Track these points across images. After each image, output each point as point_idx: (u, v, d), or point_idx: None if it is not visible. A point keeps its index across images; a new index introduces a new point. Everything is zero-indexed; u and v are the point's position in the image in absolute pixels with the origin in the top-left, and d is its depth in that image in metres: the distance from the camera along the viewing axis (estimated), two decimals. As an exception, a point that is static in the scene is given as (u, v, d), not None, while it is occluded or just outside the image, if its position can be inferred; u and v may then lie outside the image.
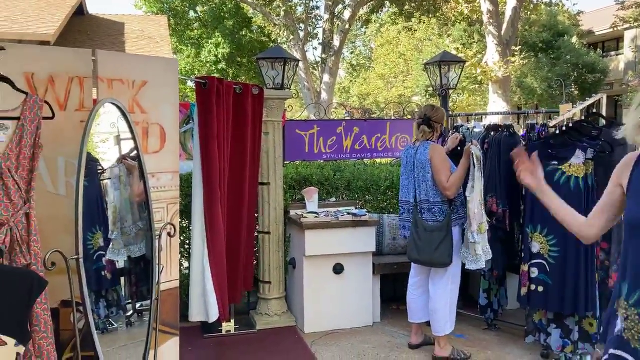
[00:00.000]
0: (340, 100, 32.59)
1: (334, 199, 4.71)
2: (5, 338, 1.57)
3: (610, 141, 3.24)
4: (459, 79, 5.22)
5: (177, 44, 19.81)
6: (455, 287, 3.66)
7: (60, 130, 2.36)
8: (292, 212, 4.40)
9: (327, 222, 4.14)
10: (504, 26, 11.32)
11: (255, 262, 4.47)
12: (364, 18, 20.47)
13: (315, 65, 21.67)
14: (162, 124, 2.75)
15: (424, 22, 20.60)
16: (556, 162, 3.35)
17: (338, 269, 4.22)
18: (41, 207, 2.32)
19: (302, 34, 19.17)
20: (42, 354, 1.91)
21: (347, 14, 18.10)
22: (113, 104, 2.37)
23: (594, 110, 5.94)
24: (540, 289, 3.43)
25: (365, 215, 4.23)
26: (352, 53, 31.40)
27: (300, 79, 19.29)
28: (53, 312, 2.46)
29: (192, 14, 20.21)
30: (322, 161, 5.18)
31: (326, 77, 19.04)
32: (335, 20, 19.06)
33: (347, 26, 18.68)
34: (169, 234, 2.69)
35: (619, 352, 1.68)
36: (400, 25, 24.09)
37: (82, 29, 13.67)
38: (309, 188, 4.50)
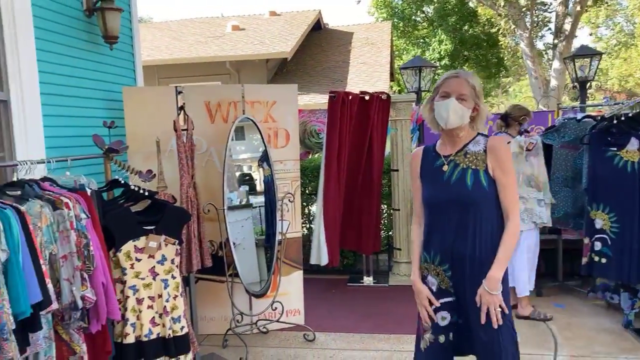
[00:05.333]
0: (596, 83, 30.02)
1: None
2: (172, 241, 3.14)
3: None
4: (595, 70, 5.45)
5: (405, 44, 21.34)
6: (532, 256, 4.29)
7: (224, 133, 3.95)
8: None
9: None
10: None
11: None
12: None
13: (544, 53, 20.85)
14: (286, 128, 4.20)
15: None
16: (615, 148, 3.75)
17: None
18: (213, 179, 3.97)
19: (529, 22, 18.77)
20: (196, 253, 3.55)
21: (578, -4, 17.11)
22: (248, 118, 3.89)
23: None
24: (603, 260, 3.88)
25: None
26: (611, 30, 28.61)
27: (528, 69, 18.91)
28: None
29: (419, 14, 21.46)
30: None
31: (556, 64, 18.23)
32: (567, 2, 18.14)
33: (578, 8, 17.61)
34: (289, 200, 4.11)
35: (444, 299, 2.27)
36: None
37: (317, 42, 16.18)
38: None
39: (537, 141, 4.06)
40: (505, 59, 22.15)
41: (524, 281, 4.28)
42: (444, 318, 2.29)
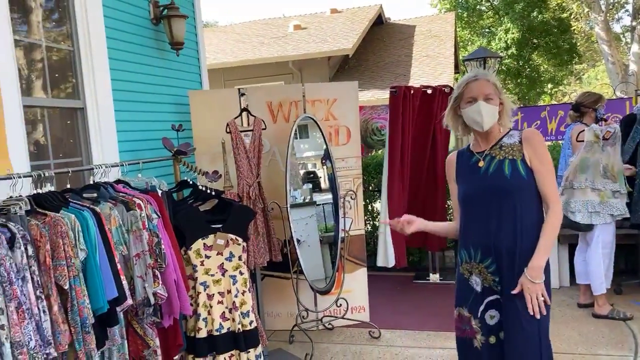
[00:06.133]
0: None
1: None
2: (239, 239, 3.23)
3: None
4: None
5: (470, 35, 20.77)
6: (607, 252, 4.06)
7: (286, 132, 4.01)
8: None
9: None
10: None
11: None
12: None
13: (622, 36, 19.67)
14: (347, 125, 4.20)
15: None
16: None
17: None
18: (276, 177, 4.05)
19: (604, 5, 17.76)
20: (261, 251, 3.62)
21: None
22: (308, 117, 3.93)
23: None
24: None
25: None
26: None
27: (604, 54, 17.92)
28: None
29: (483, 3, 20.81)
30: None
31: (635, 47, 17.18)
32: (647, -19, 17.05)
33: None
34: (351, 197, 4.12)
35: (490, 298, 2.24)
36: None
37: (379, 37, 16.05)
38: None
39: (615, 130, 3.84)
40: (578, 44, 21.09)
41: (600, 278, 4.07)
42: (492, 317, 2.26)
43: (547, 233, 2.13)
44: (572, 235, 4.85)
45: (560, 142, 5.78)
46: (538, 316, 2.11)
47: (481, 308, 2.27)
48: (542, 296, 2.11)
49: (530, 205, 2.18)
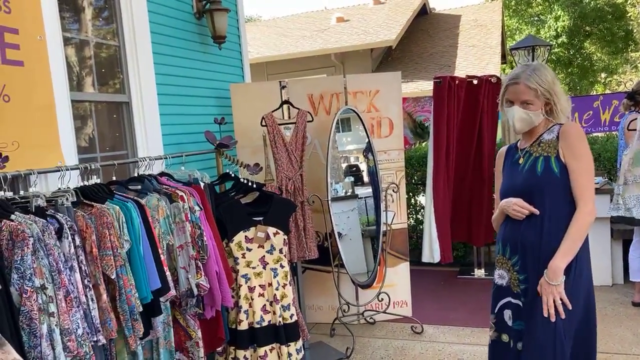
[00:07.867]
0: None
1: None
2: (279, 231, 3.23)
3: None
4: None
5: (517, 24, 20.16)
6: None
7: (327, 125, 3.99)
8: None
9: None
10: None
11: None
12: None
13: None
14: (390, 117, 4.13)
15: None
16: None
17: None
18: (317, 170, 4.03)
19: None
20: (302, 245, 3.62)
21: None
22: (350, 109, 3.88)
23: None
24: None
25: (597, 183, 4.61)
26: None
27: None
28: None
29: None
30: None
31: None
32: None
33: None
34: (393, 190, 4.06)
35: (509, 299, 2.23)
36: None
37: (423, 28, 15.77)
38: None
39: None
40: (635, 31, 20.12)
41: (657, 276, 3.88)
42: (509, 317, 2.25)
43: (571, 234, 2.06)
44: (627, 230, 4.64)
45: (614, 133, 5.52)
46: (553, 319, 2.03)
47: (500, 304, 2.28)
48: (561, 300, 2.04)
49: (562, 203, 2.11)
